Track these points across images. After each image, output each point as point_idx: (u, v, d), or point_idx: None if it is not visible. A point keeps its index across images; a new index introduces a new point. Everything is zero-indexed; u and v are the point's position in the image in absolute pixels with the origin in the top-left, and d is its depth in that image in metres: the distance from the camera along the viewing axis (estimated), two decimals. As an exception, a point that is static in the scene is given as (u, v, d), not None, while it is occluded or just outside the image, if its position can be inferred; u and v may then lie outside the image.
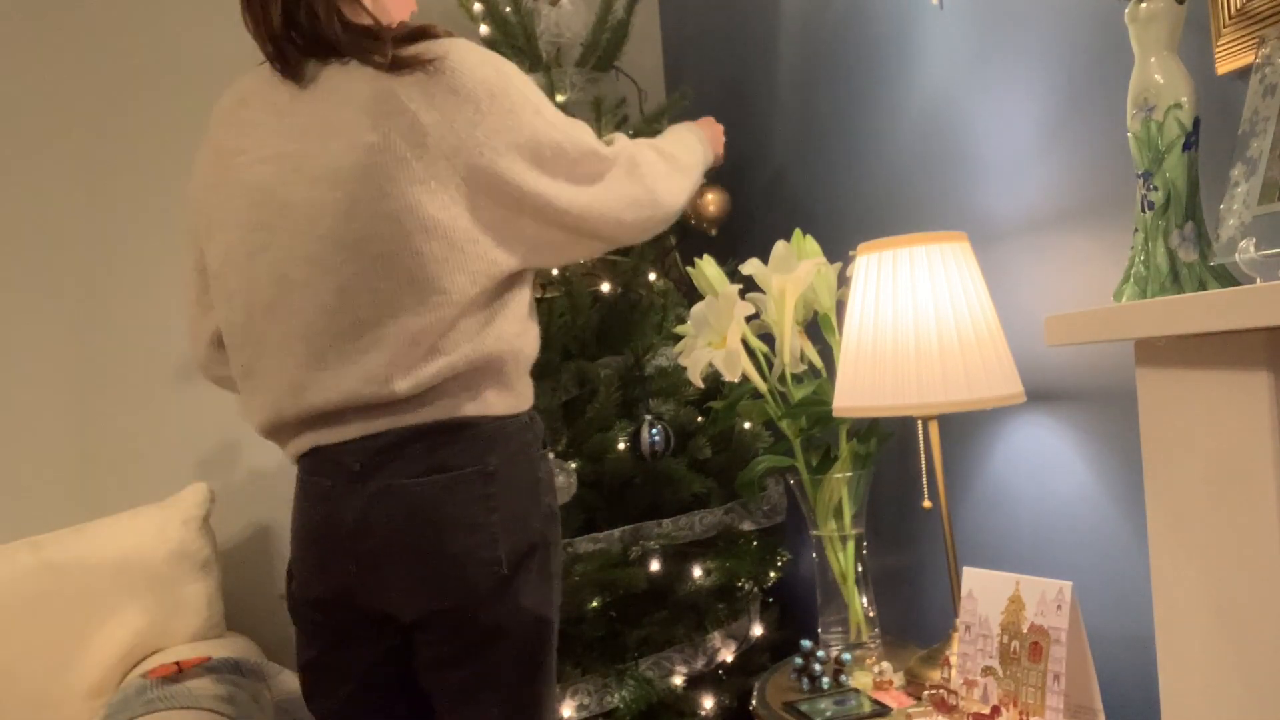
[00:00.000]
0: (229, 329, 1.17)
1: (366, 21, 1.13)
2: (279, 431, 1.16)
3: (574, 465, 1.73)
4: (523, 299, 1.18)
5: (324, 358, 1.09)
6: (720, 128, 1.60)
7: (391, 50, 1.07)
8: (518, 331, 1.16)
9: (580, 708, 1.68)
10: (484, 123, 1.07)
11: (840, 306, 1.55)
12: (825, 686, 1.41)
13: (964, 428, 1.52)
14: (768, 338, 1.64)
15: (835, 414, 1.37)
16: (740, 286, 1.55)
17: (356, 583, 1.12)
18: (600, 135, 2.00)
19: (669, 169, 1.28)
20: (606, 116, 2.04)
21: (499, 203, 1.10)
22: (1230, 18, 0.99)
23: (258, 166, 1.11)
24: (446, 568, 1.09)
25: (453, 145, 1.06)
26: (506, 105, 1.09)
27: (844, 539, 1.57)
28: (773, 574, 1.91)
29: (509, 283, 1.15)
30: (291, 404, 1.11)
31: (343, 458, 1.11)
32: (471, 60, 1.08)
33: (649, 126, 2.09)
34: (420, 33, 1.10)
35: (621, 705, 1.69)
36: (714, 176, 2.11)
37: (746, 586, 1.86)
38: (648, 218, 1.24)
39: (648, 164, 1.24)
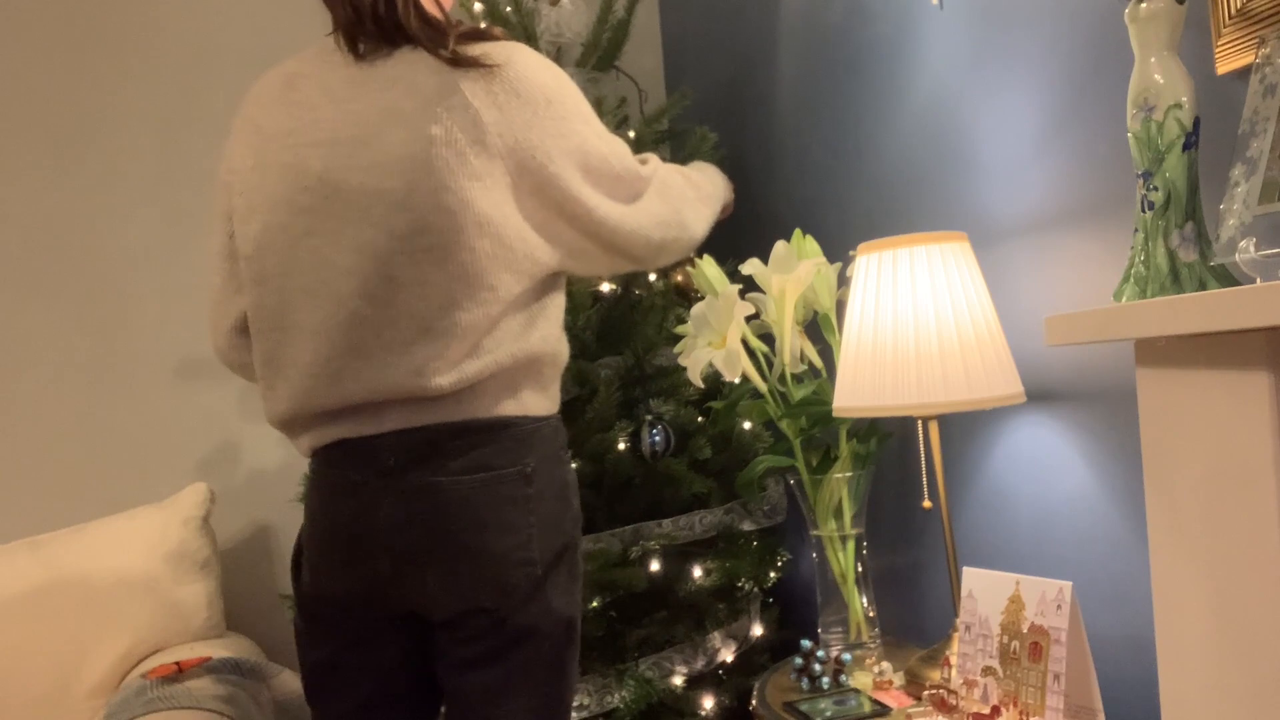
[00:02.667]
0: (256, 313, 1.14)
1: (436, 15, 1.15)
2: (300, 422, 1.14)
3: (574, 465, 1.73)
4: (560, 302, 1.20)
5: (366, 347, 1.08)
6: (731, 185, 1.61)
7: (456, 46, 1.09)
8: (557, 335, 1.18)
9: (580, 708, 1.68)
10: (539, 126, 1.09)
11: (840, 306, 1.55)
12: (825, 686, 1.41)
13: (964, 428, 1.52)
14: (768, 338, 1.64)
15: (835, 414, 1.37)
16: (740, 286, 1.55)
17: (387, 580, 1.11)
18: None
19: (695, 196, 1.30)
20: (606, 116, 2.03)
21: (544, 204, 1.11)
22: (1230, 18, 0.99)
23: (307, 150, 1.10)
24: (485, 568, 1.09)
25: (509, 145, 1.08)
26: (561, 112, 1.11)
27: (844, 539, 1.57)
28: (773, 574, 1.91)
29: (548, 284, 1.17)
30: (325, 393, 1.10)
31: (376, 452, 1.10)
32: (532, 65, 1.11)
33: (649, 126, 2.09)
34: (482, 34, 1.12)
35: (621, 705, 1.69)
36: None
37: (746, 586, 1.86)
38: (674, 239, 1.25)
39: (676, 187, 1.26)
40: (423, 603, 1.12)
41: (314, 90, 1.13)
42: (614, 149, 1.16)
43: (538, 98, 1.09)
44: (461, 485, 1.09)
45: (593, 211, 1.14)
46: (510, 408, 1.12)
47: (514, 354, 1.11)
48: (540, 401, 1.16)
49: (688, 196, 1.28)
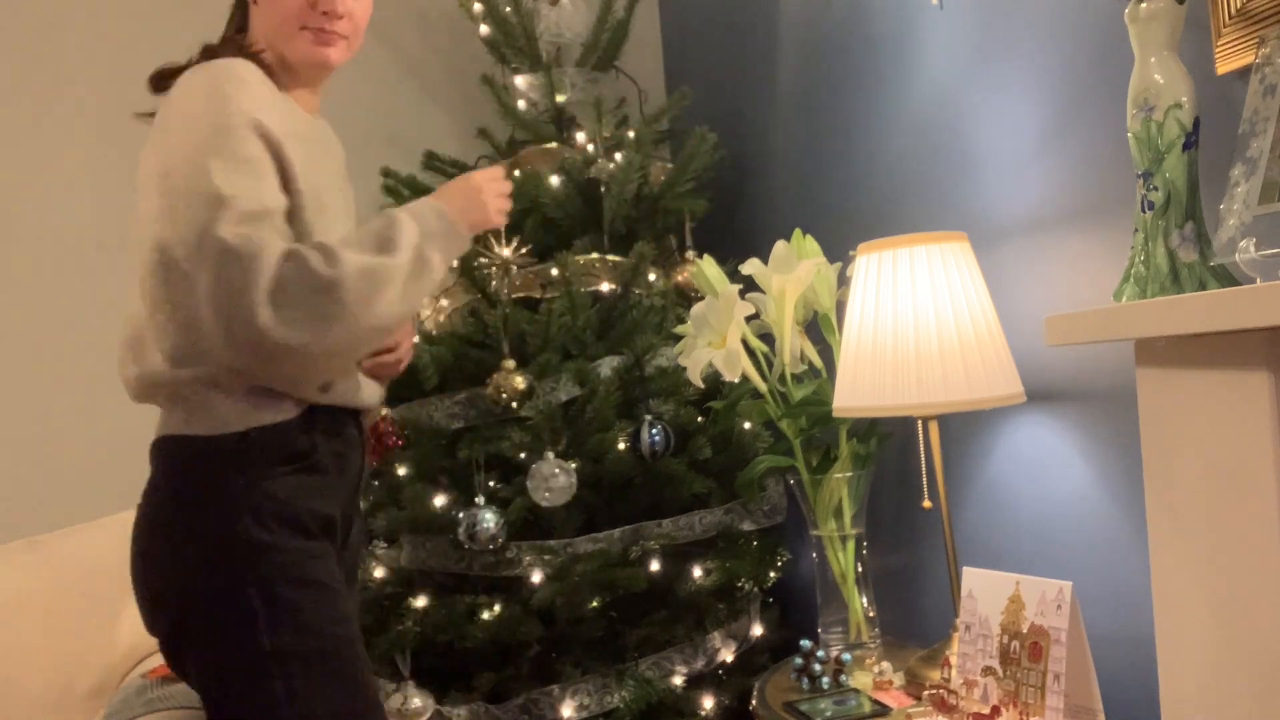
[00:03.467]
0: None
1: (219, 47, 1.17)
2: None
3: (574, 465, 1.73)
4: None
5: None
6: (494, 185, 1.22)
7: (171, 68, 1.13)
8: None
9: (580, 708, 1.68)
10: (167, 150, 1.05)
11: (840, 306, 1.55)
12: (825, 686, 1.41)
13: (964, 428, 1.52)
14: (768, 338, 1.64)
15: (835, 414, 1.37)
16: (740, 286, 1.55)
17: None
18: (600, 133, 2.00)
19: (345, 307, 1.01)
20: (606, 116, 2.03)
21: None
22: (1230, 18, 0.99)
23: None
24: (143, 597, 1.10)
25: (156, 169, 1.06)
26: (184, 138, 1.04)
27: (844, 539, 1.57)
28: (773, 574, 1.91)
29: None
30: None
31: None
32: (183, 92, 1.08)
33: (649, 126, 2.08)
34: (207, 53, 1.14)
35: (621, 705, 1.69)
36: (710, 182, 2.09)
37: (746, 586, 1.86)
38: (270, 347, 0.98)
39: (327, 283, 1.00)
40: None
41: None
42: (239, 192, 1.00)
43: (173, 121, 1.07)
44: (140, 509, 1.11)
45: (166, 248, 1.01)
46: (173, 426, 1.09)
47: (176, 373, 1.05)
48: (202, 420, 1.06)
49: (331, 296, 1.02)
